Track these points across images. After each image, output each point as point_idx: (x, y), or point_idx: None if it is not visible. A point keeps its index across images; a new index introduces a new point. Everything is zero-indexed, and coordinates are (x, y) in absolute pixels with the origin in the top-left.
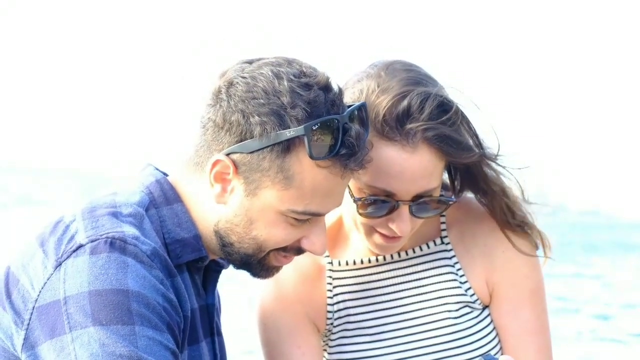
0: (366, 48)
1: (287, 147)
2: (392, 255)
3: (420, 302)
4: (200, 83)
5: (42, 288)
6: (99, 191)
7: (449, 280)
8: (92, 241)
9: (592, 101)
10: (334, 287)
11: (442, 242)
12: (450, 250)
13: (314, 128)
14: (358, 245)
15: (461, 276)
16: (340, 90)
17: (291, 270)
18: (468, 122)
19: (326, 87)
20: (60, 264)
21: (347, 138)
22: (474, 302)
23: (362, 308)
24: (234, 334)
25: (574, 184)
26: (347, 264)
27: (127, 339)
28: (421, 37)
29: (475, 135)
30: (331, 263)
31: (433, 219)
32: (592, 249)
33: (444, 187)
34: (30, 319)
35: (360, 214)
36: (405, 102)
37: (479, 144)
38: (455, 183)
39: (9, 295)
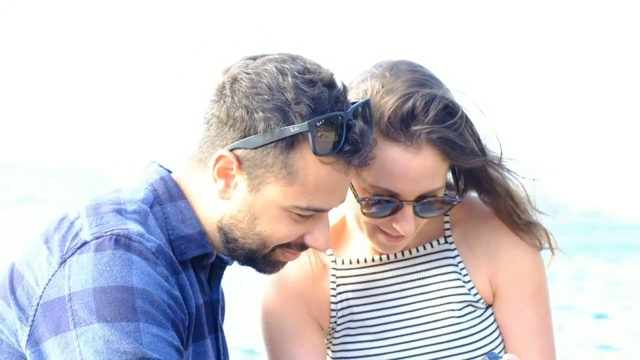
0: (366, 48)
1: (291, 143)
2: (395, 254)
3: (424, 301)
4: (200, 83)
5: (47, 285)
6: (100, 190)
7: (453, 280)
8: (96, 238)
9: (593, 103)
10: (338, 285)
11: (446, 242)
12: (454, 249)
13: (318, 124)
14: (361, 244)
15: (464, 275)
16: (344, 87)
17: (294, 269)
18: (472, 127)
19: (330, 84)
20: (65, 261)
21: (351, 135)
22: (477, 302)
23: (366, 307)
24: (237, 332)
25: (575, 185)
26: (350, 262)
27: (132, 335)
28: (422, 37)
29: (478, 140)
30: (335, 262)
31: (437, 218)
32: (592, 250)
33: (448, 186)
34: (34, 316)
35: (364, 214)
36: (410, 104)
37: (482, 149)
38: (459, 183)
39: (13, 291)
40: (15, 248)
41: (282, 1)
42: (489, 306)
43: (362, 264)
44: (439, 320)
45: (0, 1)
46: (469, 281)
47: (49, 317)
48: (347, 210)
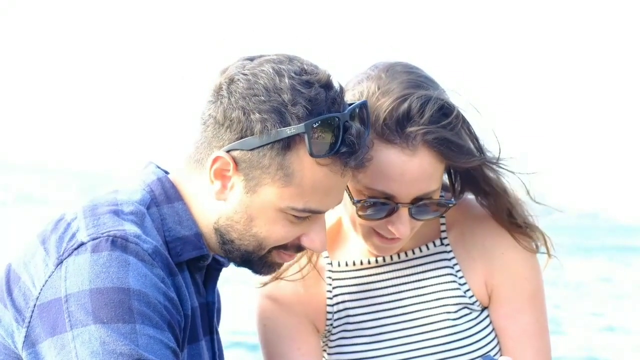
0: (366, 48)
1: (287, 144)
2: (391, 257)
3: (420, 303)
4: (200, 83)
5: (44, 286)
6: (99, 190)
7: (448, 282)
8: (93, 239)
9: (592, 105)
10: (334, 287)
11: (442, 244)
12: (450, 251)
13: (315, 126)
14: (357, 246)
15: (460, 277)
16: (341, 88)
17: (290, 271)
18: (469, 126)
19: (327, 85)
20: (62, 262)
21: (347, 136)
22: (472, 304)
23: (362, 309)
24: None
25: (573, 187)
26: (346, 264)
27: (128, 337)
28: (421, 37)
29: (475, 140)
30: (331, 264)
31: (433, 220)
32: (591, 252)
33: (444, 188)
34: (31, 317)
35: (359, 216)
36: (405, 105)
37: (480, 148)
38: (455, 185)
39: (10, 292)
40: (13, 247)
41: (282, 1)
42: (484, 308)
43: (358, 266)
44: (435, 322)
45: (1, 1)
46: (464, 283)
47: (46, 319)
48: (343, 213)
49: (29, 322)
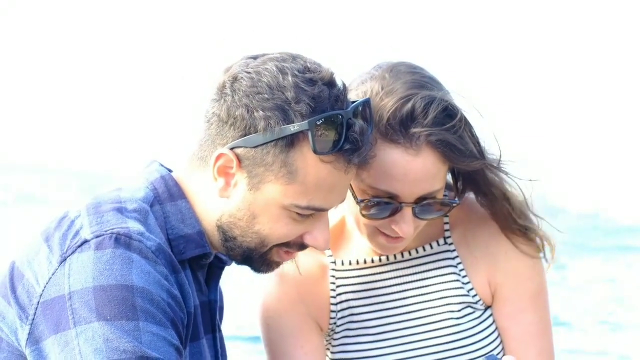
0: (366, 48)
1: (291, 141)
2: (395, 255)
3: (423, 302)
4: (200, 83)
5: (47, 283)
6: (100, 190)
7: (452, 281)
8: (97, 237)
9: (592, 104)
10: (337, 286)
11: (446, 243)
12: (454, 250)
13: (318, 123)
14: (361, 245)
15: (464, 277)
16: (344, 85)
17: (294, 270)
18: (471, 129)
19: (330, 83)
20: (65, 259)
21: (351, 133)
22: (475, 303)
23: (365, 307)
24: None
25: (574, 187)
26: (350, 263)
27: (131, 334)
28: (422, 37)
29: (477, 143)
30: (334, 263)
31: (437, 220)
32: (590, 252)
33: (447, 187)
34: (35, 314)
35: (363, 216)
36: (409, 106)
37: (481, 151)
38: (458, 185)
39: (13, 290)
40: (14, 247)
41: (282, 1)
42: (487, 307)
43: (361, 264)
44: (438, 321)
45: (1, 1)
46: (467, 282)
47: (49, 316)
48: (347, 212)
49: (33, 319)
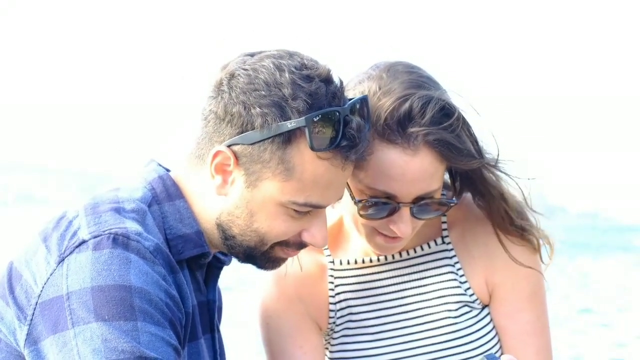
0: (366, 48)
1: (288, 138)
2: (393, 255)
3: (421, 301)
4: (200, 83)
5: (45, 284)
6: (99, 189)
7: (449, 280)
8: (94, 237)
9: (591, 103)
10: (336, 286)
11: (443, 242)
12: (451, 250)
13: (315, 120)
14: (359, 244)
15: (461, 276)
16: (341, 82)
17: (293, 269)
18: (469, 128)
19: (327, 80)
20: (63, 260)
21: (348, 130)
22: (473, 302)
23: (364, 307)
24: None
25: (573, 187)
26: (348, 263)
27: (130, 334)
28: (421, 37)
29: (475, 142)
30: (333, 262)
31: (435, 219)
32: (590, 251)
33: (445, 187)
34: (33, 315)
35: (361, 216)
36: (406, 105)
37: (479, 151)
38: (456, 185)
39: (12, 290)
40: (13, 247)
41: (282, 1)
42: (485, 306)
43: (360, 264)
44: (436, 320)
45: (0, 1)
46: (465, 282)
47: (47, 316)
48: (345, 212)
49: (31, 319)
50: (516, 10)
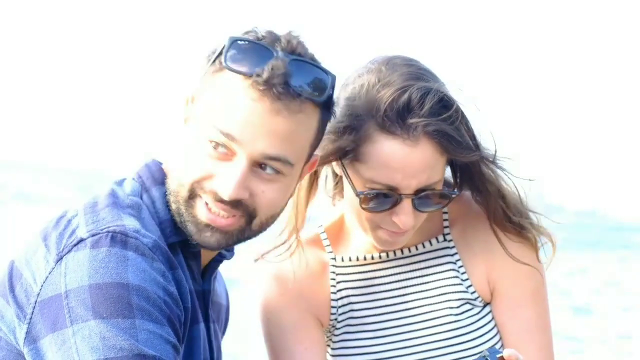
0: (366, 48)
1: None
2: (395, 252)
3: (423, 298)
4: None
5: (44, 282)
6: (98, 188)
7: (451, 277)
8: (92, 235)
9: (590, 102)
10: (338, 282)
11: (445, 239)
12: (453, 247)
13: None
14: (361, 241)
15: (462, 273)
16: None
17: (294, 266)
18: (467, 122)
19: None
20: (61, 258)
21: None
22: (474, 300)
23: (366, 304)
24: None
25: (572, 185)
26: (350, 259)
27: (128, 332)
28: (421, 37)
29: (473, 137)
30: (334, 259)
31: (436, 216)
32: (589, 250)
33: (446, 184)
34: (32, 313)
35: (363, 209)
36: (405, 97)
37: (477, 146)
38: (457, 179)
39: (12, 289)
40: (12, 246)
41: (282, 1)
42: (487, 304)
43: (361, 261)
44: (438, 317)
45: (0, 1)
46: (466, 279)
47: (46, 315)
48: (347, 208)
49: (30, 318)
50: (516, 9)
